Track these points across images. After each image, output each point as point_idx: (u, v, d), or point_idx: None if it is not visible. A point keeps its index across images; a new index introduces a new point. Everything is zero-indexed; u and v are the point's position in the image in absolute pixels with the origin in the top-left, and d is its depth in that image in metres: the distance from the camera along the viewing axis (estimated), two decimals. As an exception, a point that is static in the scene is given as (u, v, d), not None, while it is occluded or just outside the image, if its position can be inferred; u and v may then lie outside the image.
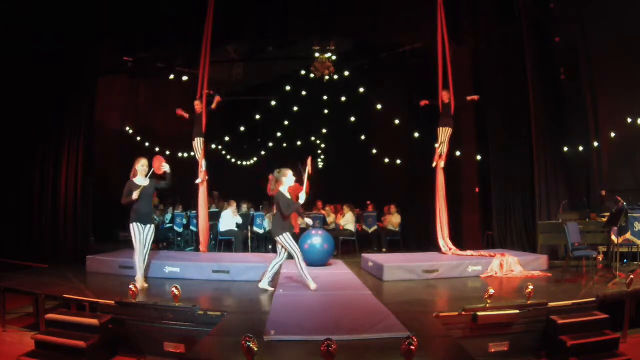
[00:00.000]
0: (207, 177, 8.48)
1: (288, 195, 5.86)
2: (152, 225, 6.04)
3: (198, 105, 8.32)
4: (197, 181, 8.36)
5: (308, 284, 5.81)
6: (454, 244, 8.26)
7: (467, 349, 3.81)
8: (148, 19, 9.52)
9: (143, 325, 4.72)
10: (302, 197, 5.98)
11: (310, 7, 9.63)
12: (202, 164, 8.33)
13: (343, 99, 13.14)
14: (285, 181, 5.89)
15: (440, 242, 8.24)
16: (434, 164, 8.33)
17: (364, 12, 9.91)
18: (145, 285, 5.85)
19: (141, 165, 5.96)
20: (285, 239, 5.80)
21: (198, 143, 8.31)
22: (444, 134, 8.22)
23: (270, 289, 5.86)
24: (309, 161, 6.26)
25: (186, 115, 8.34)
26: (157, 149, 13.22)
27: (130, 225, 5.83)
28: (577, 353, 4.38)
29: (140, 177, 5.96)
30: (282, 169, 5.94)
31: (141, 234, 5.86)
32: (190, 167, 8.87)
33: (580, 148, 9.14)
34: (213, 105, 8.40)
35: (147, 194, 5.97)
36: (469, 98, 8.27)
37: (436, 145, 8.31)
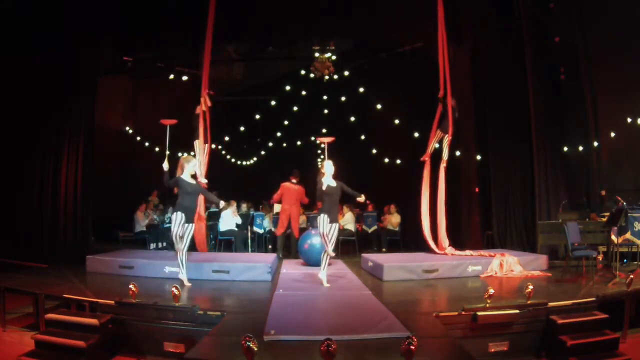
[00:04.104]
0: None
1: (324, 183, 6.09)
2: (193, 225, 6.12)
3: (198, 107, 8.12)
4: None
5: (322, 279, 6.17)
6: (454, 243, 8.24)
7: (467, 349, 3.81)
8: (148, 19, 9.52)
9: (143, 325, 4.71)
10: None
11: (310, 7, 9.62)
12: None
13: (343, 99, 13.13)
14: (326, 171, 6.18)
15: (431, 243, 8.20)
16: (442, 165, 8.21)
17: (364, 12, 9.90)
18: (189, 284, 6.03)
19: (193, 165, 6.15)
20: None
21: (195, 145, 8.13)
22: (445, 140, 8.20)
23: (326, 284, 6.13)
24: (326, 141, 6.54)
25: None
26: (157, 149, 13.24)
27: (175, 213, 5.90)
28: (577, 353, 4.38)
29: (188, 174, 6.10)
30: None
31: (181, 227, 5.89)
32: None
33: (580, 148, 9.14)
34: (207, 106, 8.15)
35: (195, 193, 6.15)
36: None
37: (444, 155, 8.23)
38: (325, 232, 6.07)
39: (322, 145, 7.51)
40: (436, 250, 8.04)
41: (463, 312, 4.57)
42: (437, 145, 8.42)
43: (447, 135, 8.11)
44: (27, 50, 8.34)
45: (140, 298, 4.82)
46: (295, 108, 13.90)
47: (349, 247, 10.33)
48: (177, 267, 6.11)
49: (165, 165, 6.05)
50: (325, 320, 4.51)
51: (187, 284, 6.05)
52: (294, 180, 9.11)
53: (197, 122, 8.15)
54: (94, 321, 4.58)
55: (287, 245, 9.52)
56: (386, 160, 13.29)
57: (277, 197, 9.19)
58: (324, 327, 4.17)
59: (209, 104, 8.17)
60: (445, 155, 8.18)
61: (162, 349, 4.56)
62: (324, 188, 6.07)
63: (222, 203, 6.89)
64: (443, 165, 8.19)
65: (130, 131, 13.16)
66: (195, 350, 3.68)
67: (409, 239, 11.08)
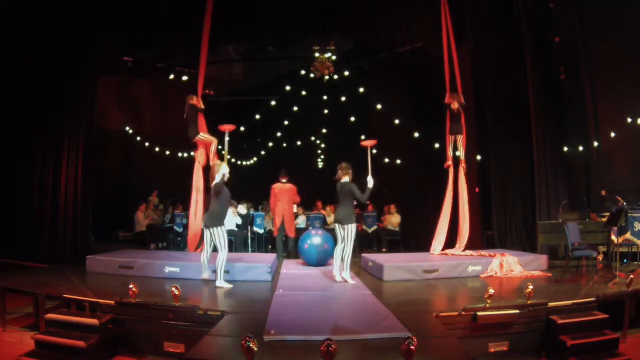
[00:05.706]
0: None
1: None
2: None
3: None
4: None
5: (347, 276, 6.37)
6: (454, 243, 8.24)
7: (467, 349, 3.81)
8: (148, 19, 9.52)
9: (143, 325, 4.72)
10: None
11: (310, 7, 9.62)
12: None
13: (343, 99, 13.13)
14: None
15: (435, 245, 8.20)
16: (462, 169, 8.28)
17: (364, 12, 9.90)
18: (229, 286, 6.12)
19: (225, 169, 6.33)
20: (348, 229, 6.33)
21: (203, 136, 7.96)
22: (459, 141, 8.20)
23: (350, 281, 6.34)
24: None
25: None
26: (157, 149, 13.24)
27: (218, 229, 6.09)
28: (577, 353, 4.37)
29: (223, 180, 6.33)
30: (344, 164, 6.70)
31: (225, 236, 6.17)
32: (190, 167, 8.76)
33: (580, 148, 9.14)
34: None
35: (228, 198, 6.44)
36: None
37: (457, 153, 8.28)
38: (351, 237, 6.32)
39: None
40: (434, 252, 8.07)
41: (463, 312, 4.57)
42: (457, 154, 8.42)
43: (460, 136, 8.12)
44: (26, 50, 8.34)
45: (140, 298, 4.82)
46: (295, 108, 13.89)
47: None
48: (213, 273, 6.23)
49: (225, 169, 6.34)
50: (325, 320, 4.50)
51: (228, 285, 6.06)
52: (283, 180, 9.05)
53: (192, 115, 7.84)
54: (94, 321, 4.58)
55: (285, 246, 9.45)
56: (386, 160, 13.28)
57: (273, 202, 9.12)
58: (324, 327, 4.16)
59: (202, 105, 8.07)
60: (462, 155, 8.22)
61: (162, 349, 4.56)
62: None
63: (240, 207, 7.29)
64: (462, 165, 8.24)
65: (130, 131, 13.17)
66: (195, 350, 3.68)
67: (409, 239, 11.08)
